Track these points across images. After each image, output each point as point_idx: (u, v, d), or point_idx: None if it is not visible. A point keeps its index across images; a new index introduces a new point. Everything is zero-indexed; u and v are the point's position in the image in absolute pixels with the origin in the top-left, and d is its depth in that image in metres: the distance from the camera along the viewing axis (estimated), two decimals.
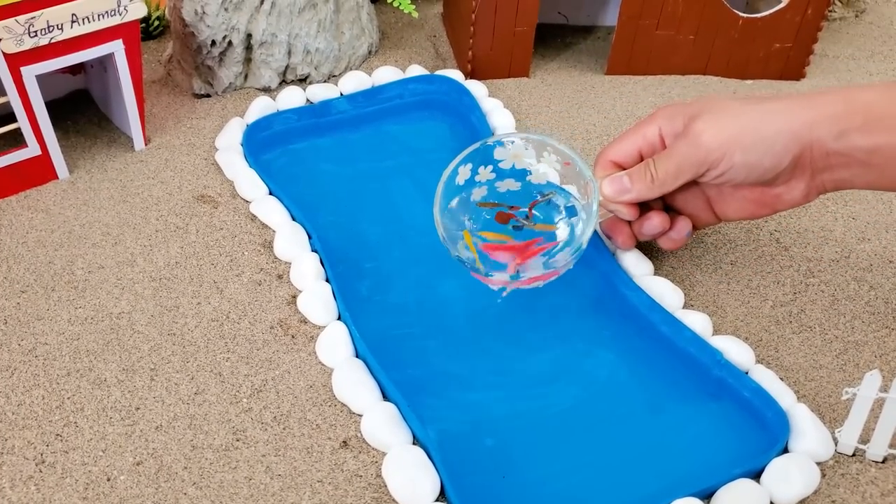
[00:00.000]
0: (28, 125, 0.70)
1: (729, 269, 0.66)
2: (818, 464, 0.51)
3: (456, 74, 0.84)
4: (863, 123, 0.51)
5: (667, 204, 0.62)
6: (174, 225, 0.69)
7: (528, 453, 0.53)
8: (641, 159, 0.59)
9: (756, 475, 0.50)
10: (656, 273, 0.64)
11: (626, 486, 0.51)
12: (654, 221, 0.60)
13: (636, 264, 0.64)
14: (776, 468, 0.50)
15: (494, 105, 0.81)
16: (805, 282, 0.65)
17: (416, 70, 0.85)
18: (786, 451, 0.52)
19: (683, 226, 0.60)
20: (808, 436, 0.51)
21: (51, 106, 0.72)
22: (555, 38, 0.96)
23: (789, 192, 0.56)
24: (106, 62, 0.75)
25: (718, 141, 0.54)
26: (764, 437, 0.52)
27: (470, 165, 0.59)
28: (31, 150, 0.72)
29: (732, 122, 0.54)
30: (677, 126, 0.56)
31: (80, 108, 0.83)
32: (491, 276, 0.57)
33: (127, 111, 0.76)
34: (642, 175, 0.57)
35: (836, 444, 0.52)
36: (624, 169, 0.60)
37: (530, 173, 0.60)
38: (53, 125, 0.72)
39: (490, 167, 0.59)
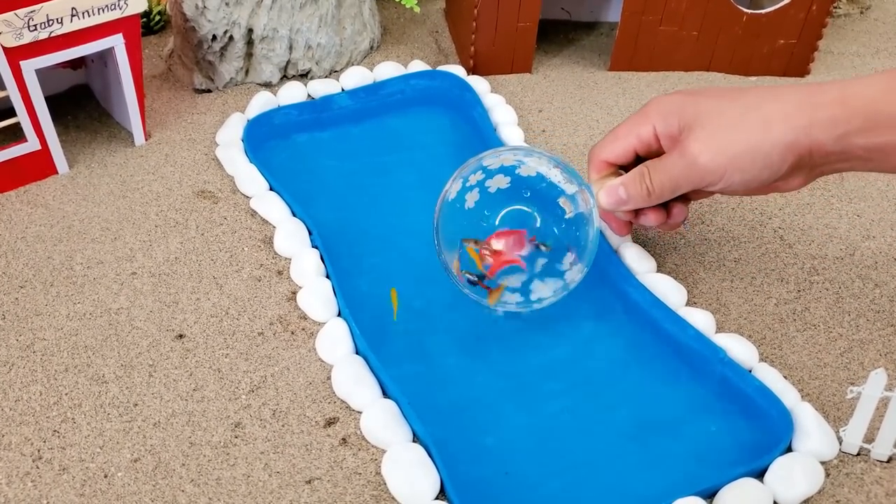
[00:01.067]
0: (27, 120, 0.70)
1: (732, 266, 0.65)
2: (822, 463, 0.50)
3: (458, 70, 0.84)
4: (862, 125, 0.50)
5: None
6: (174, 220, 0.69)
7: (529, 451, 0.53)
8: (636, 156, 0.58)
9: (759, 474, 0.50)
10: (659, 270, 0.64)
11: (627, 484, 0.51)
12: (651, 217, 0.59)
13: (638, 261, 0.63)
14: (779, 467, 0.49)
15: (497, 101, 0.81)
16: (809, 279, 0.64)
17: (417, 66, 0.85)
18: (789, 450, 0.51)
19: (680, 212, 0.60)
20: (812, 435, 0.51)
21: (51, 101, 0.71)
22: (557, 35, 0.96)
23: (787, 184, 0.55)
24: (106, 57, 0.74)
25: (716, 164, 0.53)
26: (767, 435, 0.52)
27: (460, 181, 0.58)
28: (31, 144, 0.72)
29: (729, 141, 0.52)
30: (672, 127, 0.55)
31: (81, 103, 0.83)
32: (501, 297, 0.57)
33: (127, 106, 0.75)
34: (638, 187, 0.57)
35: (840, 444, 0.52)
36: (618, 167, 0.59)
37: (520, 167, 0.58)
38: (53, 120, 0.72)
39: (479, 172, 0.58)
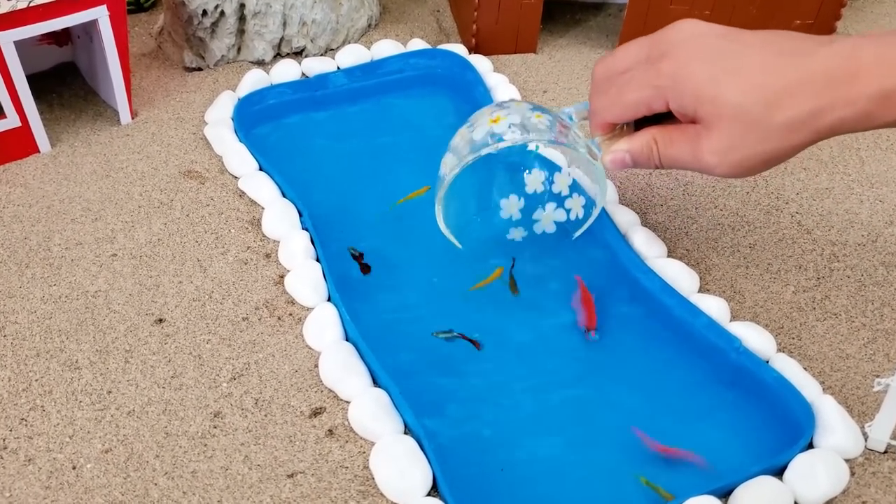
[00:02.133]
0: (6, 95, 0.67)
1: (747, 252, 0.62)
2: (846, 461, 0.47)
3: (459, 49, 0.80)
4: None
5: None
6: (158, 201, 0.66)
7: (530, 446, 0.49)
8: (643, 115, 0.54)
9: (778, 472, 0.46)
10: (670, 255, 0.60)
11: (635, 482, 0.47)
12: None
13: (648, 245, 0.59)
14: (801, 465, 0.46)
15: (499, 80, 0.77)
16: (829, 266, 0.61)
17: (417, 44, 0.81)
18: (811, 446, 0.48)
19: None
20: (836, 430, 0.47)
21: (36, 78, 0.68)
22: (563, 15, 0.92)
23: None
24: (91, 32, 0.71)
25: (730, 173, 0.49)
26: (787, 431, 0.48)
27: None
28: (11, 121, 0.68)
29: (748, 154, 0.48)
30: (687, 110, 0.50)
31: (67, 81, 0.80)
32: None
33: (112, 83, 0.72)
34: (646, 158, 0.53)
35: (865, 440, 0.48)
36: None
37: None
38: (38, 98, 0.68)
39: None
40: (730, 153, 0.48)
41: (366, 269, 0.60)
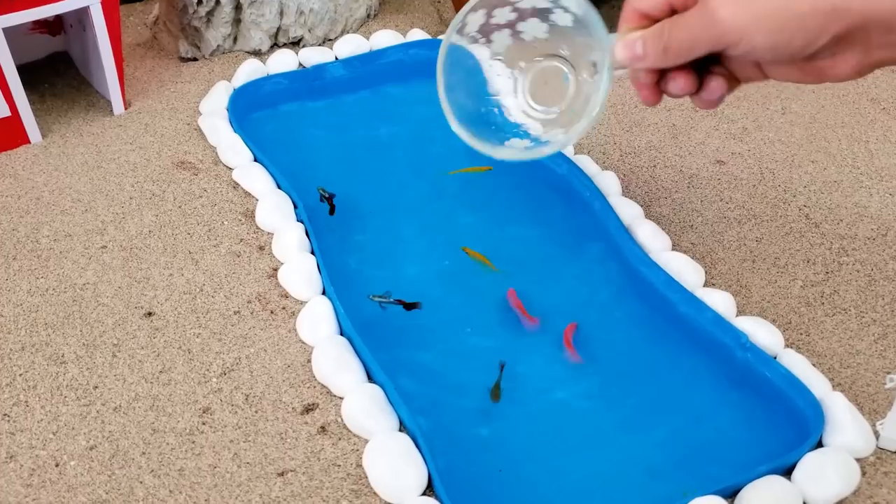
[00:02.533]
0: None
1: (754, 245, 0.60)
2: (857, 460, 0.45)
3: None
4: None
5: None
6: (150, 192, 0.64)
7: (529, 445, 0.47)
8: (674, 12, 0.50)
9: (787, 472, 0.45)
10: (675, 248, 0.59)
11: (638, 483, 0.46)
12: (679, 82, 0.50)
13: (653, 239, 0.58)
14: (810, 464, 0.44)
15: None
16: (838, 260, 0.59)
17: (417, 35, 0.80)
18: (820, 445, 0.46)
19: (716, 87, 0.50)
20: (846, 429, 0.46)
21: (29, 68, 0.67)
22: None
23: (834, 65, 0.46)
24: (84, 20, 0.70)
25: (737, 23, 0.44)
26: (795, 429, 0.47)
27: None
28: (0, 110, 0.67)
29: (767, 3, 0.44)
30: None
31: (60, 71, 0.78)
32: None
33: (105, 72, 0.71)
34: (657, 43, 0.48)
35: (877, 439, 0.46)
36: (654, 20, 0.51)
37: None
38: (30, 87, 0.67)
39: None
40: (747, 2, 0.45)
41: (332, 209, 0.61)
